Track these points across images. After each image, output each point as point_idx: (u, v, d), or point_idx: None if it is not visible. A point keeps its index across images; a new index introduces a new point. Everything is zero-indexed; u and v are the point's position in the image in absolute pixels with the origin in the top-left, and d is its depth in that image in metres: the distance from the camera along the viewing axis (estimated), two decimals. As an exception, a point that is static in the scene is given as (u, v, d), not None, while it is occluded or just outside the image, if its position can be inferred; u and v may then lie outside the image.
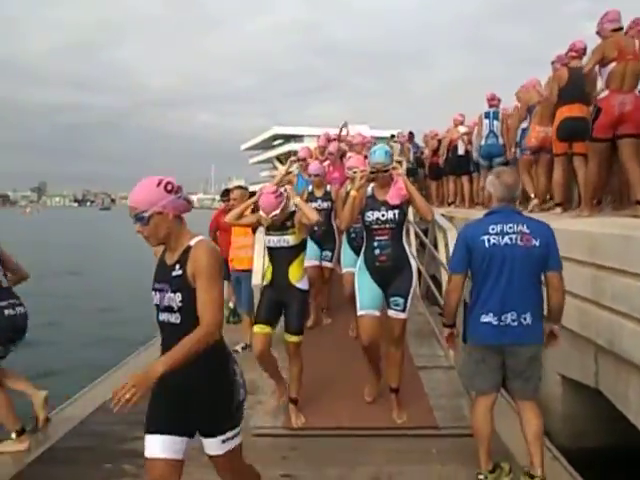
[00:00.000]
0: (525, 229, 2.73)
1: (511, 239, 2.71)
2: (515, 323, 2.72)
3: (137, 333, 8.05)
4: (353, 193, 3.49)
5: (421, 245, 6.80)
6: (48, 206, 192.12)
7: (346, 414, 3.72)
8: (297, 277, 3.58)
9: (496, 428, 2.97)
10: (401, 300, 3.46)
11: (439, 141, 9.85)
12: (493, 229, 2.74)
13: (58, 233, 40.88)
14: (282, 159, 67.62)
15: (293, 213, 3.57)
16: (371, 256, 3.51)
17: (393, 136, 12.39)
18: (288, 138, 64.01)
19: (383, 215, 3.45)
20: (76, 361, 8.04)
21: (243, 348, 5.41)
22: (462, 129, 9.00)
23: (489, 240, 2.72)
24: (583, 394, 3.94)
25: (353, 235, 4.76)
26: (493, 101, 7.71)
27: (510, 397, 3.04)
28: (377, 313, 3.54)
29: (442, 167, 9.64)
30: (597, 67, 4.66)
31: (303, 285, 3.61)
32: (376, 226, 3.47)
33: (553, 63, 5.85)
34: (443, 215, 6.17)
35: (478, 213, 7.16)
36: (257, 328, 3.65)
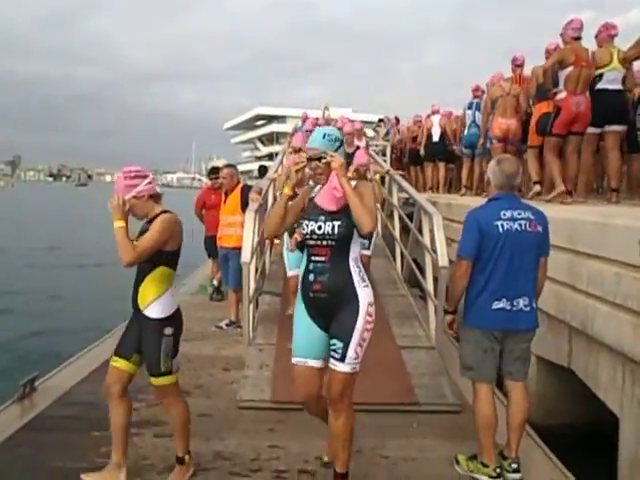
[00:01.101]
0: (531, 215, 2.80)
1: (521, 225, 2.75)
2: (527, 308, 2.77)
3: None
4: (285, 191, 2.53)
5: (404, 229, 6.92)
6: (22, 180, 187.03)
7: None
8: (147, 300, 2.67)
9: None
10: (340, 344, 2.45)
11: (419, 127, 10.14)
12: (504, 215, 2.76)
13: (35, 209, 40.04)
14: (264, 140, 67.25)
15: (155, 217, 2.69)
16: (305, 283, 2.55)
17: (381, 120, 12.47)
18: (271, 119, 63.46)
19: (320, 227, 2.47)
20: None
21: (227, 325, 5.49)
22: (436, 118, 9.39)
23: (502, 225, 2.73)
24: (556, 374, 4.12)
25: None
26: (477, 92, 8.00)
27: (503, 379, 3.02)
28: (315, 363, 2.57)
29: (421, 153, 9.97)
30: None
31: (156, 312, 2.67)
32: (312, 242, 2.51)
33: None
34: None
35: (460, 198, 7.47)
36: (112, 360, 2.80)
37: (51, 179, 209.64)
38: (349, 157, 5.69)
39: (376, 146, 11.31)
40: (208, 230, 6.43)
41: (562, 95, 5.15)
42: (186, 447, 2.83)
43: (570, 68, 5.05)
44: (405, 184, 6.73)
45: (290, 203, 2.58)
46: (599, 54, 5.17)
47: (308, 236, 2.50)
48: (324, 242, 2.48)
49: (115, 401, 2.73)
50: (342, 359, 2.47)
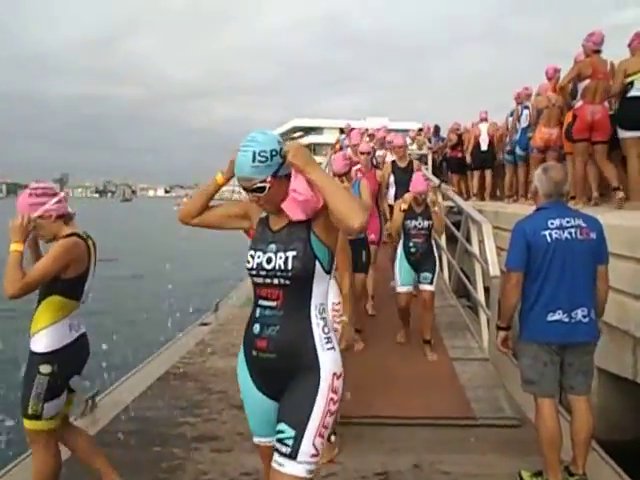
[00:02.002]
0: (582, 223, 2.72)
1: (571, 233, 2.68)
2: (586, 319, 2.69)
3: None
4: (217, 179, 2.04)
5: (450, 238, 6.82)
6: (71, 197, 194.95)
7: (385, 404, 3.79)
8: (36, 328, 2.40)
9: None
10: (290, 434, 1.69)
11: (459, 136, 10.01)
12: (552, 223, 2.69)
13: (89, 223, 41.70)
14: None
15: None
16: (249, 337, 1.87)
17: (421, 129, 12.36)
18: (308, 130, 63.99)
19: (270, 260, 1.78)
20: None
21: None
22: (484, 126, 9.24)
23: (551, 235, 2.67)
24: (620, 386, 3.95)
25: (413, 248, 4.75)
26: (519, 99, 7.95)
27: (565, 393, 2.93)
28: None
29: (466, 162, 9.81)
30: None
31: (39, 345, 2.37)
32: (259, 280, 1.83)
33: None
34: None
35: (507, 206, 7.31)
36: None
37: (97, 195, 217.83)
38: (404, 173, 5.86)
39: (423, 155, 11.21)
40: None
41: (579, 104, 5.57)
42: None
43: (587, 80, 5.40)
44: (451, 192, 6.65)
45: (228, 204, 2.08)
46: (631, 62, 5.25)
47: (254, 272, 1.80)
48: (275, 281, 1.76)
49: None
50: (292, 455, 1.66)
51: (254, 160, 1.71)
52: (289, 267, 1.74)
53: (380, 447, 3.32)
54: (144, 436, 3.46)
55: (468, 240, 5.58)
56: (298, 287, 1.77)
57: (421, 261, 4.69)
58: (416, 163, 6.36)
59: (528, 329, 2.77)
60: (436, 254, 4.78)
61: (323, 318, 1.80)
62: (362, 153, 5.83)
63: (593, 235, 2.71)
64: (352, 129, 9.50)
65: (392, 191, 6.20)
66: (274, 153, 1.73)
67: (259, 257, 1.82)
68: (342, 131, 10.45)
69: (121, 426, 3.63)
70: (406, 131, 13.06)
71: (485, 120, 9.32)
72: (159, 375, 4.54)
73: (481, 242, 4.90)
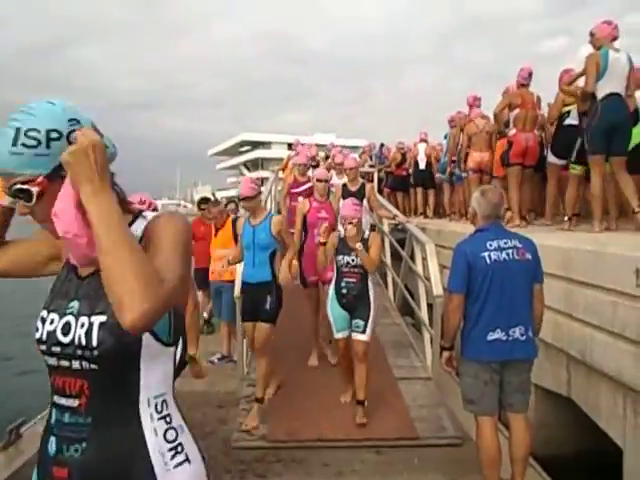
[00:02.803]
0: (518, 244, 2.82)
1: (508, 254, 2.76)
2: (523, 337, 2.76)
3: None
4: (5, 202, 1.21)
5: (394, 255, 6.92)
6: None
7: (329, 427, 3.75)
8: None
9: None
10: None
11: (403, 154, 10.30)
12: (491, 245, 2.77)
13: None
14: (249, 166, 67.51)
15: None
16: (44, 462, 1.19)
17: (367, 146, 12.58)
18: (256, 145, 63.84)
19: (66, 330, 1.10)
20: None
21: (219, 359, 5.38)
22: (422, 146, 9.70)
23: (490, 256, 2.74)
24: (555, 402, 4.09)
25: (344, 289, 3.88)
26: (452, 123, 8.43)
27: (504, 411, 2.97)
28: None
29: (408, 180, 10.21)
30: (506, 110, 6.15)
31: None
32: (54, 364, 1.15)
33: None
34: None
35: (449, 224, 7.53)
36: None
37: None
38: (356, 198, 4.79)
39: (366, 173, 11.37)
40: (197, 262, 6.33)
41: (512, 132, 6.01)
42: None
43: (517, 110, 5.87)
44: (396, 211, 6.76)
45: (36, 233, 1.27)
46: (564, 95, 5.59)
47: (44, 347, 1.13)
48: (75, 364, 1.10)
49: None
50: None
51: (16, 142, 1.03)
52: (93, 341, 1.06)
53: (325, 471, 3.27)
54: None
55: (412, 258, 5.67)
56: (113, 375, 1.10)
57: (354, 305, 3.80)
58: (369, 186, 5.72)
59: (469, 348, 2.82)
60: (372, 297, 3.84)
61: (164, 417, 1.15)
62: (348, 168, 5.66)
63: (529, 255, 2.81)
64: (298, 144, 9.63)
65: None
66: (54, 136, 1.04)
67: (52, 322, 1.13)
68: (290, 146, 10.52)
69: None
70: (354, 148, 13.25)
71: (425, 141, 9.77)
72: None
73: (425, 260, 4.98)
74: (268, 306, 3.87)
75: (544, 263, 2.92)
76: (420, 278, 5.20)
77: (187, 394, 4.39)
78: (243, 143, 66.83)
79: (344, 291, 3.84)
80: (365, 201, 5.43)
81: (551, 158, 5.75)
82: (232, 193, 49.39)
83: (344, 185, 5.70)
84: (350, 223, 3.73)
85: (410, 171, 10.00)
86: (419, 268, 5.31)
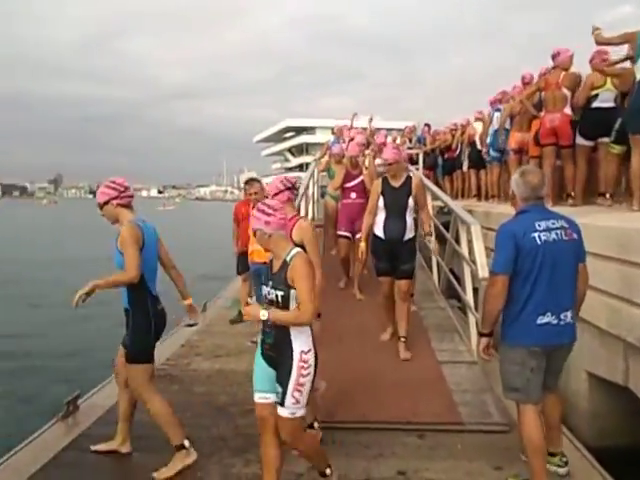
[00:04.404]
0: (565, 224, 2.73)
1: (557, 234, 2.67)
2: (572, 320, 2.71)
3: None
4: None
5: (439, 238, 6.75)
6: (65, 198, 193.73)
7: (370, 408, 3.71)
8: None
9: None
10: None
11: (453, 136, 9.97)
12: (539, 225, 2.67)
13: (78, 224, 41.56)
14: (294, 151, 67.70)
15: None
16: None
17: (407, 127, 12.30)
18: (300, 130, 63.89)
19: None
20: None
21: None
22: (479, 125, 9.23)
23: (540, 237, 2.64)
24: (610, 391, 3.89)
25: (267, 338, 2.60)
26: (494, 104, 8.24)
27: None
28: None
29: (457, 161, 9.89)
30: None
31: None
32: None
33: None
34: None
35: (498, 206, 7.26)
36: None
37: (91, 196, 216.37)
38: (398, 195, 4.61)
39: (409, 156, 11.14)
40: (238, 245, 6.24)
41: (542, 114, 6.13)
42: None
43: (544, 92, 6.07)
44: (440, 192, 6.59)
45: None
46: (597, 77, 5.58)
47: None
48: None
49: None
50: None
51: None
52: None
53: (364, 452, 3.24)
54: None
55: (457, 241, 5.51)
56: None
57: (274, 359, 2.56)
58: (416, 181, 4.66)
59: (517, 333, 2.70)
60: (296, 349, 2.50)
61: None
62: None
63: (575, 236, 2.74)
64: (341, 130, 9.34)
65: (380, 218, 4.62)
66: None
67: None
68: (333, 132, 10.34)
69: (102, 430, 3.52)
70: (400, 130, 12.99)
71: (480, 119, 9.28)
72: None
73: (470, 243, 4.82)
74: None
75: (598, 245, 2.78)
76: (466, 261, 5.05)
77: (230, 372, 4.50)
78: (287, 129, 67.07)
79: (263, 337, 2.62)
80: (411, 199, 4.56)
81: (579, 140, 5.78)
82: (278, 179, 49.72)
83: (384, 179, 4.67)
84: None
85: (463, 152, 9.63)
86: (464, 251, 5.15)
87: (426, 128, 11.89)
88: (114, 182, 3.15)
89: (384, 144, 6.81)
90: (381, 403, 3.78)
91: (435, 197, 6.72)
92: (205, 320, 6.03)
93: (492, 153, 8.18)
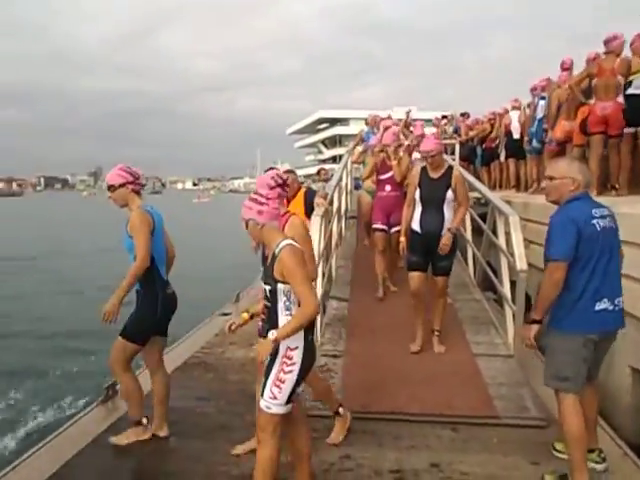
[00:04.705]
0: (609, 212, 2.76)
1: (609, 222, 2.71)
2: (623, 306, 2.72)
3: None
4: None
5: (476, 230, 6.62)
6: (103, 190, 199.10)
7: (403, 400, 3.68)
8: None
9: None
10: None
11: (492, 125, 9.74)
12: (596, 213, 2.69)
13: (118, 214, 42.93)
14: (327, 143, 67.54)
15: None
16: None
17: (445, 116, 12.09)
18: (333, 122, 63.67)
19: None
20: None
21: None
22: (515, 114, 8.99)
23: (599, 223, 2.65)
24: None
25: None
26: (535, 91, 7.97)
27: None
28: None
29: (495, 152, 9.66)
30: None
31: None
32: None
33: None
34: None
35: (538, 197, 7.04)
36: None
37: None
38: (436, 187, 4.37)
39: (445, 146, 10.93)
40: None
41: (592, 101, 5.97)
42: None
43: (596, 79, 5.80)
44: (477, 183, 6.44)
45: None
46: (634, 62, 5.50)
47: None
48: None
49: None
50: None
51: None
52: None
53: (396, 444, 3.23)
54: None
55: (494, 233, 5.39)
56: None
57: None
58: (456, 174, 4.38)
59: (574, 321, 2.67)
60: (282, 347, 2.42)
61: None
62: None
63: (617, 224, 2.78)
64: (375, 120, 9.14)
65: (417, 211, 4.42)
66: None
67: None
68: (366, 122, 10.20)
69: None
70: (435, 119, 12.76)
71: (517, 108, 9.03)
72: (178, 365, 4.53)
73: (508, 235, 4.70)
74: None
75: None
76: (503, 253, 4.93)
77: (249, 359, 4.52)
78: (321, 120, 66.91)
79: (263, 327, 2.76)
80: (450, 191, 4.30)
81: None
82: (311, 171, 49.86)
83: (423, 170, 4.42)
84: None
85: (500, 142, 9.39)
86: (502, 242, 5.03)
87: (461, 118, 11.65)
88: (130, 168, 3.29)
89: (422, 135, 6.61)
90: (414, 395, 3.75)
91: (472, 188, 6.56)
92: (238, 310, 6.11)
93: (534, 144, 7.84)
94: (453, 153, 10.54)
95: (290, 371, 2.41)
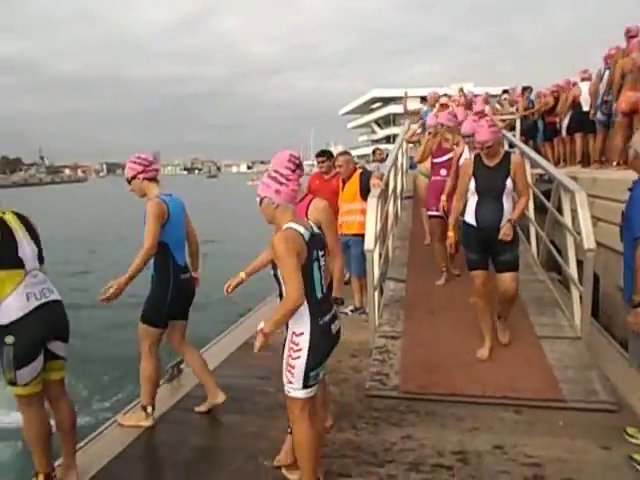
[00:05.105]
0: None
1: None
2: None
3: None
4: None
5: (538, 208, 6.36)
6: (162, 175, 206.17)
7: (465, 382, 3.64)
8: None
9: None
10: None
11: (556, 99, 9.24)
12: None
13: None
14: (380, 123, 66.46)
15: None
16: None
17: (506, 91, 11.62)
18: (387, 101, 62.47)
19: None
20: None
21: (352, 311, 5.48)
22: (585, 85, 8.50)
23: None
24: None
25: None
26: (607, 60, 7.44)
27: None
28: None
29: (560, 126, 9.14)
30: None
31: (1, 318, 2.51)
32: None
33: None
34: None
35: (607, 172, 6.67)
36: None
37: (185, 172, 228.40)
38: (492, 176, 3.93)
39: (502, 121, 10.51)
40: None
41: None
42: (39, 463, 2.67)
43: None
44: (540, 159, 6.16)
45: None
46: None
47: None
48: None
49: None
50: None
51: None
52: None
53: (458, 425, 3.21)
54: (224, 403, 3.56)
55: (559, 210, 5.15)
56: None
57: None
58: (516, 160, 3.97)
59: None
60: (289, 332, 2.48)
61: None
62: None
63: None
64: (435, 97, 8.82)
65: (472, 203, 3.97)
66: None
67: None
68: (423, 100, 9.94)
69: (203, 391, 3.77)
70: (494, 97, 12.28)
71: (587, 79, 8.51)
72: (239, 345, 4.68)
73: (574, 212, 4.48)
74: None
75: None
76: (569, 231, 4.71)
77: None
78: (374, 100, 65.82)
79: None
80: (509, 180, 3.87)
81: None
82: (364, 151, 49.38)
83: (477, 157, 3.99)
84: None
85: (564, 115, 8.86)
86: (568, 220, 4.81)
87: (519, 91, 11.15)
88: (139, 157, 3.34)
89: (482, 112, 6.30)
90: (474, 377, 3.69)
91: (535, 165, 6.28)
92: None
93: (599, 116, 7.50)
94: (513, 129, 10.11)
95: (297, 357, 2.40)
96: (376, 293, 4.67)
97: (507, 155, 4.00)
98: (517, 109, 10.66)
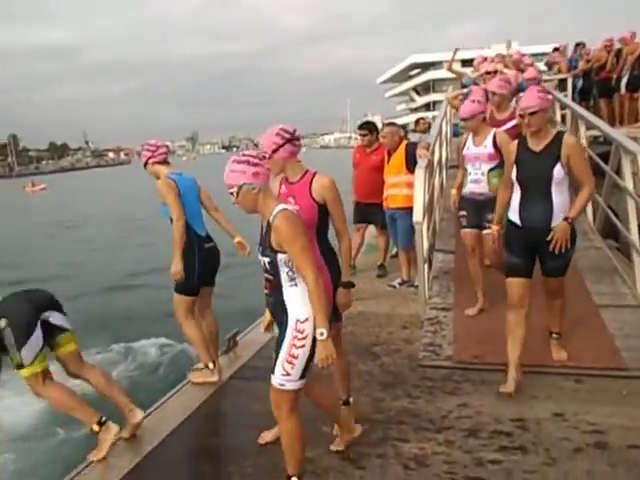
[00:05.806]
0: None
1: None
2: None
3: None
4: None
5: (594, 172, 6.10)
6: (201, 154, 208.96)
7: (523, 351, 3.56)
8: None
9: None
10: None
11: (608, 53, 8.74)
12: None
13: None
14: (419, 90, 64.70)
15: None
16: None
17: (557, 49, 11.06)
18: (427, 66, 60.59)
19: None
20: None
21: (400, 284, 5.47)
22: None
23: None
24: None
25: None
26: None
27: None
28: None
29: (617, 83, 8.76)
30: None
31: None
32: None
33: None
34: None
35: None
36: None
37: (224, 150, 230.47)
38: (537, 162, 3.20)
39: (551, 81, 10.04)
40: (354, 193, 5.81)
41: None
42: (88, 417, 2.84)
43: None
44: (595, 119, 5.88)
45: None
46: None
47: None
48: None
49: None
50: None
51: None
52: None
53: (517, 395, 3.18)
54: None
55: (618, 174, 4.93)
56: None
57: (278, 325, 2.45)
58: (569, 141, 3.17)
59: None
60: (290, 314, 2.29)
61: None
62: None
63: None
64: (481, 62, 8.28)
65: (516, 196, 3.30)
66: None
67: None
68: (466, 63, 9.59)
69: (259, 362, 3.89)
70: (541, 55, 11.71)
71: None
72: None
73: (635, 175, 4.29)
74: None
75: None
76: (630, 195, 4.51)
77: (371, 314, 4.64)
78: (413, 66, 63.95)
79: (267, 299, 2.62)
80: (559, 168, 3.12)
81: None
82: (403, 121, 48.38)
83: (522, 139, 3.30)
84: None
85: (625, 71, 8.48)
86: (629, 184, 4.60)
87: (571, 48, 10.59)
88: (148, 144, 3.62)
89: (534, 79, 5.94)
90: (531, 346, 3.62)
91: (590, 126, 6.00)
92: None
93: None
94: (566, 89, 9.66)
95: (302, 345, 2.24)
96: (426, 265, 4.64)
97: (558, 136, 3.19)
98: (559, 70, 10.14)
